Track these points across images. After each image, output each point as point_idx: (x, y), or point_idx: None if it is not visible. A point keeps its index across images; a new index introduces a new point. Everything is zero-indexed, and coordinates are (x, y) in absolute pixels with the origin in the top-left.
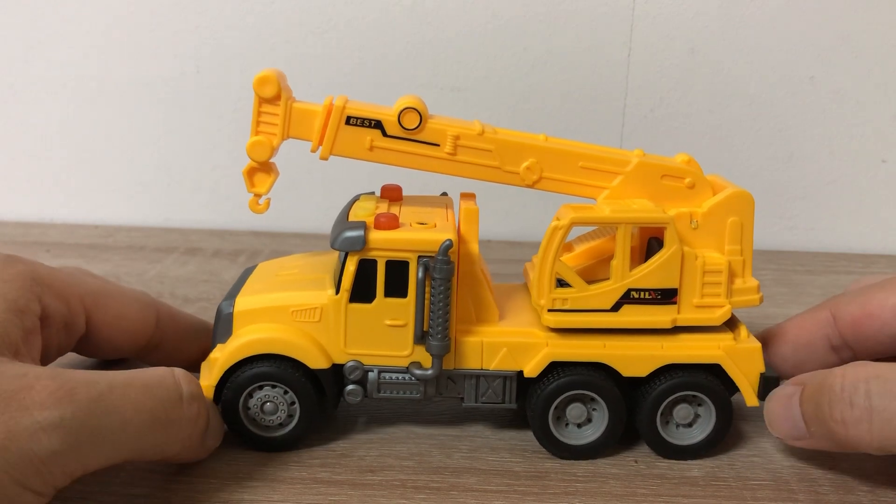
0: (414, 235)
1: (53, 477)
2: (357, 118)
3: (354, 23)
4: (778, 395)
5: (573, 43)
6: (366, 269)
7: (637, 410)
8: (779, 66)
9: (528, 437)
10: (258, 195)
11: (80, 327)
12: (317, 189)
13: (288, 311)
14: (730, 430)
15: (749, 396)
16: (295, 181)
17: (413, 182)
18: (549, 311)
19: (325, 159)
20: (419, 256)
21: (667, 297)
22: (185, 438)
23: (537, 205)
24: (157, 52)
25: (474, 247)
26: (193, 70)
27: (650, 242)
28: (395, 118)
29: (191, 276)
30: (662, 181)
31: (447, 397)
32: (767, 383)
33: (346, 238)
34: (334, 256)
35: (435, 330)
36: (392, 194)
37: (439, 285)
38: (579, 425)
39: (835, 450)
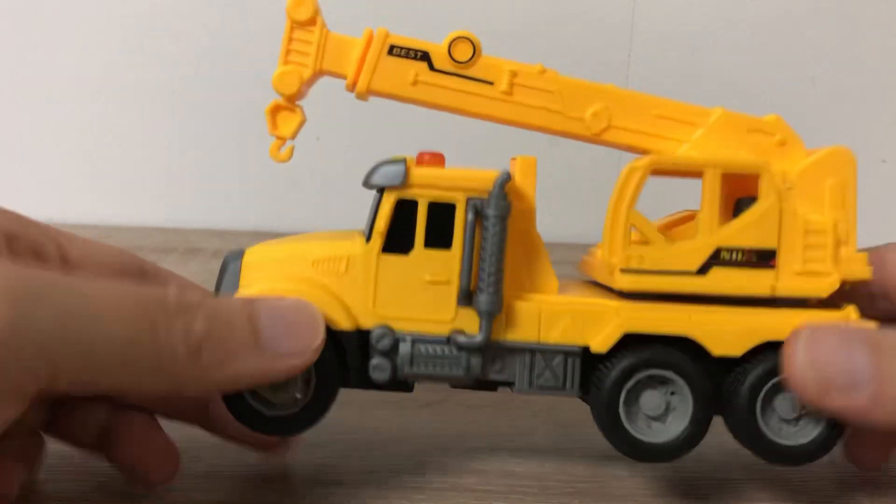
0: (463, 172)
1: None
2: (402, 48)
3: (354, 24)
4: (823, 329)
5: (574, 43)
6: (404, 212)
7: (729, 400)
8: (779, 67)
9: (529, 438)
10: (281, 139)
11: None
12: (318, 189)
13: (308, 261)
14: (842, 431)
15: None
16: (296, 182)
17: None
18: (623, 270)
19: (363, 96)
20: (469, 198)
21: (764, 259)
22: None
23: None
24: (157, 54)
25: (531, 203)
26: (194, 72)
27: (738, 205)
28: (446, 49)
29: (191, 276)
30: (749, 136)
31: (495, 382)
32: None
33: (383, 171)
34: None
35: (487, 282)
36: (432, 162)
37: (494, 226)
38: (655, 419)
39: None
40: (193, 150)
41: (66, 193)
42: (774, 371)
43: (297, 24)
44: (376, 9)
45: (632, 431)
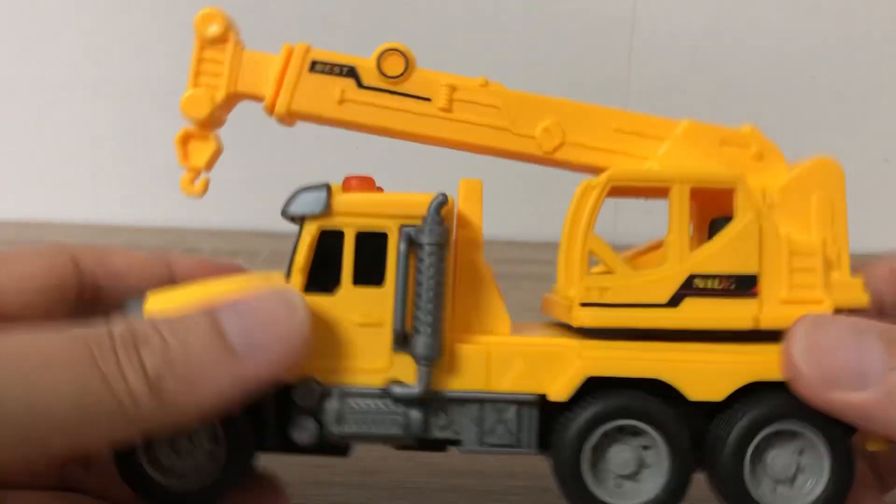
0: (394, 196)
1: None
2: (325, 63)
3: (353, 24)
4: (831, 317)
5: (574, 44)
6: (328, 245)
7: (712, 455)
8: (780, 66)
9: None
10: (193, 171)
11: None
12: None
13: None
14: (853, 484)
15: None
16: (296, 181)
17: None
18: (583, 305)
19: (283, 118)
20: (402, 226)
21: (744, 286)
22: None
23: (538, 199)
24: (155, 53)
25: (477, 232)
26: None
27: (713, 226)
28: (374, 63)
29: None
30: (722, 150)
31: (441, 440)
32: None
33: (302, 199)
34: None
35: (423, 322)
36: (362, 187)
37: (430, 255)
38: (626, 477)
39: None
40: None
41: (66, 194)
42: (765, 420)
43: (206, 42)
44: (380, 17)
45: (598, 494)
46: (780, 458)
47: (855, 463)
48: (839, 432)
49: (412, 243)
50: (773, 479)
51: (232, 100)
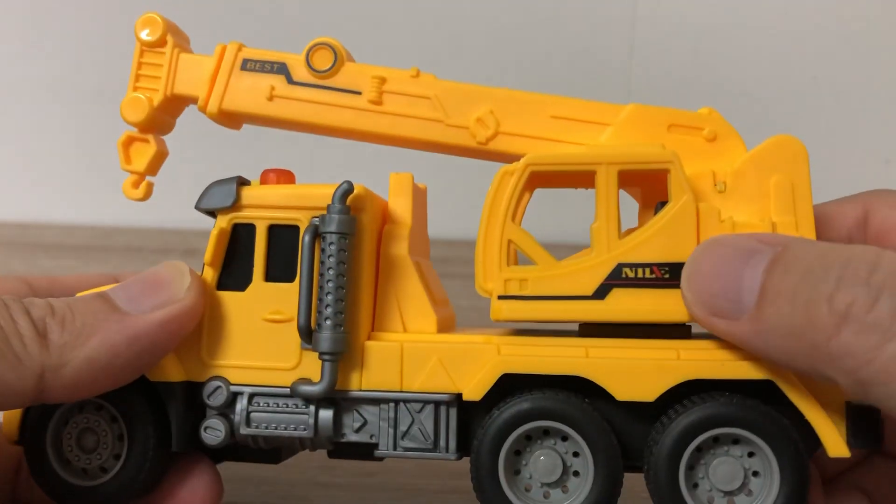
0: (304, 188)
1: None
2: (256, 61)
3: (352, 23)
4: (722, 243)
5: (575, 44)
6: (241, 239)
7: (646, 463)
8: (781, 66)
9: None
10: (136, 175)
11: None
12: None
13: None
14: (806, 498)
15: (830, 439)
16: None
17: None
18: (501, 297)
19: (217, 117)
20: (312, 218)
21: (678, 275)
22: None
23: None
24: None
25: (405, 226)
26: None
27: (658, 210)
28: (304, 58)
29: None
30: (670, 134)
31: (352, 443)
32: (861, 418)
33: (212, 192)
34: None
35: (325, 314)
36: (280, 181)
37: (331, 244)
38: (551, 485)
39: (778, 356)
40: (191, 151)
41: (67, 194)
42: (701, 425)
43: (146, 46)
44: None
45: (516, 501)
46: (723, 466)
47: (807, 470)
48: (786, 437)
49: (317, 234)
50: (716, 489)
51: (172, 103)
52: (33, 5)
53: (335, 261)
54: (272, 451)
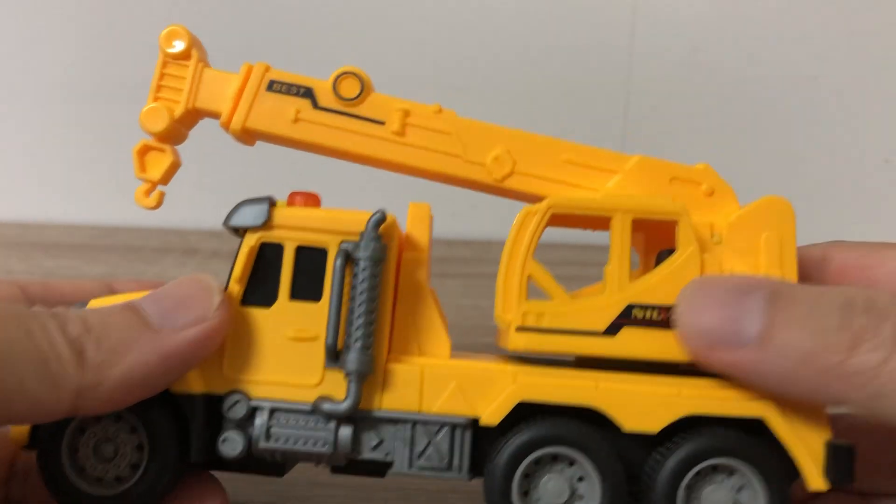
0: (336, 213)
1: None
2: (283, 83)
3: (353, 22)
4: (715, 280)
5: (574, 43)
6: (267, 258)
7: (646, 490)
8: (781, 66)
9: None
10: (150, 183)
11: None
12: (317, 190)
13: None
14: None
15: (810, 473)
16: (294, 184)
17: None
18: (519, 329)
19: (239, 135)
20: (342, 242)
21: None
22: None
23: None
24: (155, 53)
25: (424, 255)
26: None
27: (659, 258)
28: (331, 85)
29: None
30: (673, 186)
31: (372, 462)
32: (839, 457)
33: (244, 211)
34: None
35: (354, 336)
36: (306, 203)
37: (364, 270)
38: None
39: (780, 381)
40: (192, 150)
41: (66, 194)
42: (699, 454)
43: (170, 58)
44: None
45: None
46: (715, 495)
47: (789, 496)
48: (774, 469)
49: (349, 259)
50: None
51: (191, 116)
52: (34, 4)
53: (368, 286)
54: (279, 464)
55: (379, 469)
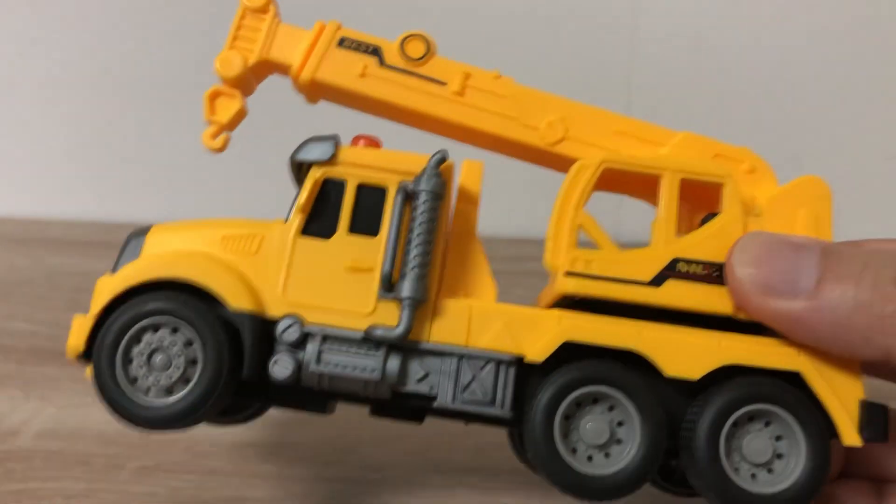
0: (398, 153)
1: None
2: (353, 40)
3: (354, 22)
4: (770, 234)
5: (576, 40)
6: (329, 193)
7: (686, 440)
8: (784, 63)
9: None
10: (217, 125)
11: None
12: None
13: (217, 236)
14: (827, 474)
15: (845, 429)
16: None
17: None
18: (567, 273)
19: (307, 85)
20: (401, 182)
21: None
22: None
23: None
24: (156, 51)
25: (474, 208)
26: (192, 68)
27: (704, 221)
28: (398, 45)
29: None
30: (715, 161)
31: (415, 395)
32: (872, 414)
33: (311, 146)
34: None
35: (411, 264)
36: (368, 145)
37: (424, 202)
38: (597, 448)
39: (831, 331)
40: (194, 147)
41: (66, 190)
42: (743, 399)
43: (249, 10)
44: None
45: (568, 459)
46: (755, 443)
47: (829, 447)
48: (814, 419)
49: (409, 196)
50: (749, 463)
51: (263, 66)
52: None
53: (427, 217)
54: (322, 399)
55: (417, 414)
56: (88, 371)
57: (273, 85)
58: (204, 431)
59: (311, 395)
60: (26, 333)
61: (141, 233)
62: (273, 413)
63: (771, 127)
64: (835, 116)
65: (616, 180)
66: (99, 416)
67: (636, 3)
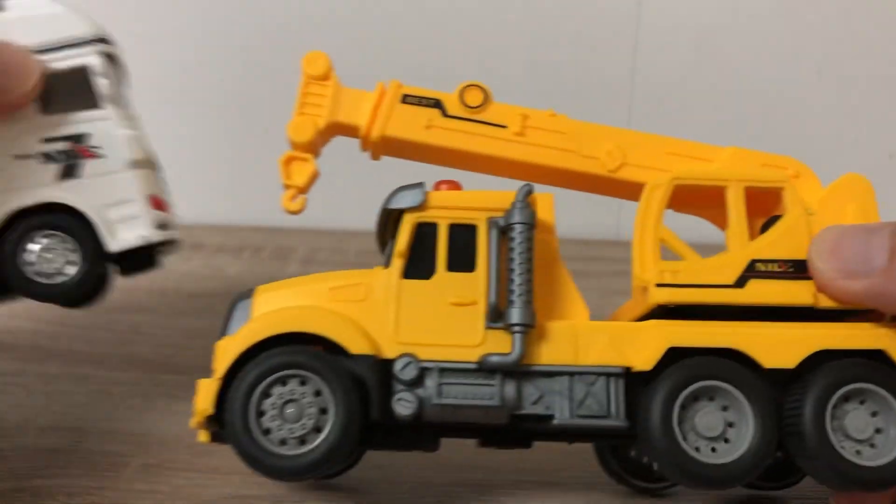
0: (482, 193)
1: None
2: (415, 96)
3: (354, 23)
4: (843, 225)
5: (578, 41)
6: (424, 236)
7: (791, 426)
8: (785, 61)
9: None
10: (295, 189)
11: None
12: (323, 184)
13: (325, 288)
14: None
15: None
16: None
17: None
18: (658, 285)
19: (377, 143)
20: (489, 218)
21: (800, 269)
22: None
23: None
24: (158, 47)
25: (553, 236)
26: (194, 64)
27: (766, 226)
28: (457, 96)
29: (194, 271)
30: (770, 169)
31: (532, 415)
32: None
33: (402, 195)
34: None
35: (517, 293)
36: (450, 189)
37: (520, 233)
38: (713, 439)
39: None
40: (197, 144)
41: None
42: (839, 383)
43: (312, 79)
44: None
45: (691, 453)
46: (855, 421)
47: None
48: None
49: (502, 230)
50: (853, 440)
51: (331, 129)
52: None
53: (524, 247)
54: (431, 436)
55: (526, 438)
56: (203, 436)
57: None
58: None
59: (424, 432)
60: (28, 332)
61: (247, 295)
62: None
63: (772, 125)
64: (836, 114)
65: (686, 196)
66: (101, 414)
67: (640, 2)
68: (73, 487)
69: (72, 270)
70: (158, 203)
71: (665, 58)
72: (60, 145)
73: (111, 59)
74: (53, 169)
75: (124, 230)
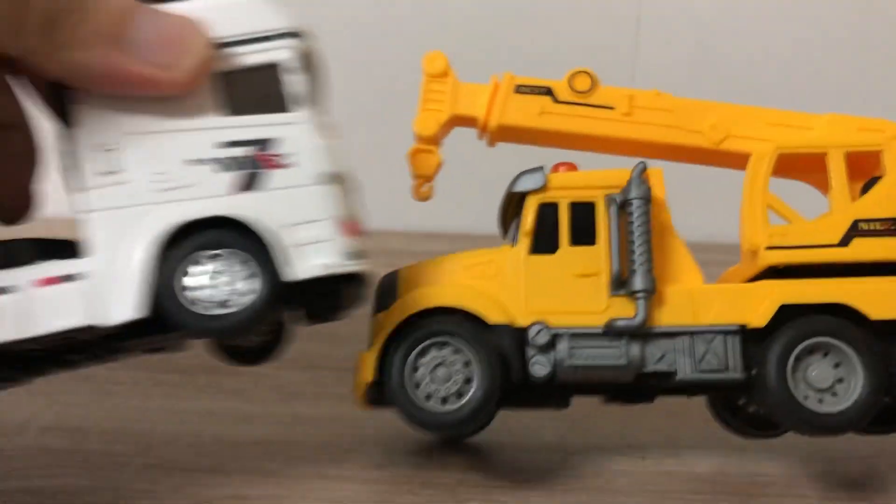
0: (598, 172)
1: None
2: (527, 86)
3: (354, 24)
4: None
5: (580, 35)
6: (547, 215)
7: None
8: (785, 61)
9: (537, 433)
10: (422, 179)
11: None
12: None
13: (460, 267)
14: None
15: None
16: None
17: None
18: (768, 248)
19: (494, 131)
20: (606, 195)
21: None
22: None
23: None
24: None
25: (664, 207)
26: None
27: (865, 188)
28: (566, 83)
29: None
30: (861, 134)
31: (655, 372)
32: None
33: (525, 178)
34: None
35: (638, 262)
36: (567, 170)
37: (638, 208)
38: (824, 391)
39: None
40: None
41: None
42: None
43: (432, 77)
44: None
45: (805, 404)
46: None
47: None
48: None
49: (620, 205)
50: None
51: (451, 121)
52: None
53: (643, 220)
54: (561, 395)
55: (650, 394)
56: (363, 405)
57: None
58: (206, 430)
59: (555, 392)
60: None
61: (393, 276)
62: (274, 411)
63: None
64: (837, 111)
65: (789, 164)
66: (102, 413)
67: (640, 4)
68: (73, 487)
69: (245, 300)
70: (351, 228)
71: (665, 58)
72: (240, 151)
73: (307, 56)
74: (229, 178)
75: (306, 257)
